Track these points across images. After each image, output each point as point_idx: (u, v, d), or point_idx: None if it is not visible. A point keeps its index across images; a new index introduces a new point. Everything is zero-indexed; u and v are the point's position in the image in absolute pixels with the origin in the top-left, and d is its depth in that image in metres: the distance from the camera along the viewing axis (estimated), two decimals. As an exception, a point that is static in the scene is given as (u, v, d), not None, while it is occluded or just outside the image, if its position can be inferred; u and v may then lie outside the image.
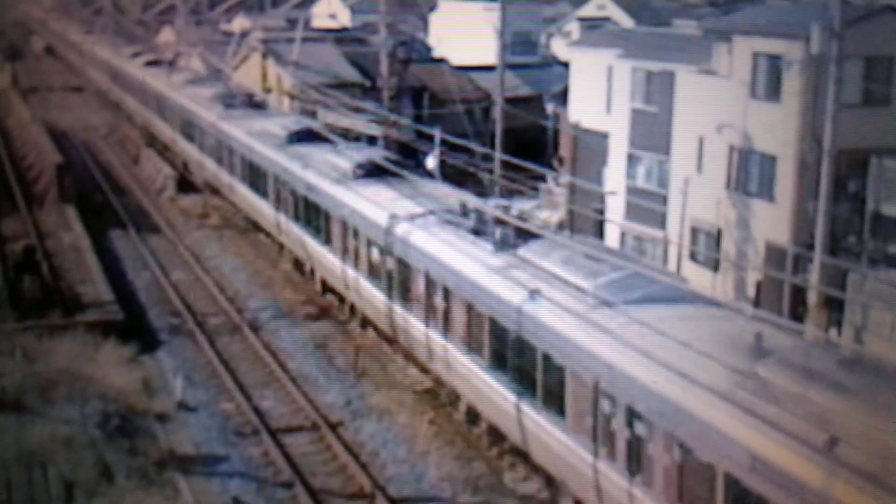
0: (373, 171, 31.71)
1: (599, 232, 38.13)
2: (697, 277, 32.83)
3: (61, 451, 22.18)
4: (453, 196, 28.81)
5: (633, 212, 36.99)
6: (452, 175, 36.62)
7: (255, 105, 48.04)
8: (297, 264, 37.13)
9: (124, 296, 34.23)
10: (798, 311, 29.48)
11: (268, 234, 40.85)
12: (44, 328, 29.02)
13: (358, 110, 45.23)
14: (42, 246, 37.96)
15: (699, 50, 34.47)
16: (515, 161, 32.32)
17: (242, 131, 42.08)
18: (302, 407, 26.39)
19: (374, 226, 28.52)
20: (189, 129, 50.98)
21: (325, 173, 33.20)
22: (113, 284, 34.29)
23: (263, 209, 39.30)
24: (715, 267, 33.35)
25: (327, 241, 32.40)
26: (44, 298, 31.62)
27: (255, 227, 42.22)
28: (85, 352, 27.77)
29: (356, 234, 29.86)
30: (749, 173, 32.25)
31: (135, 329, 31.12)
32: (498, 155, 38.19)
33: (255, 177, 39.81)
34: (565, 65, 49.35)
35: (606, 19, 75.83)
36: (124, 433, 23.90)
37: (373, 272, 28.88)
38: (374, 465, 23.31)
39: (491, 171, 38.60)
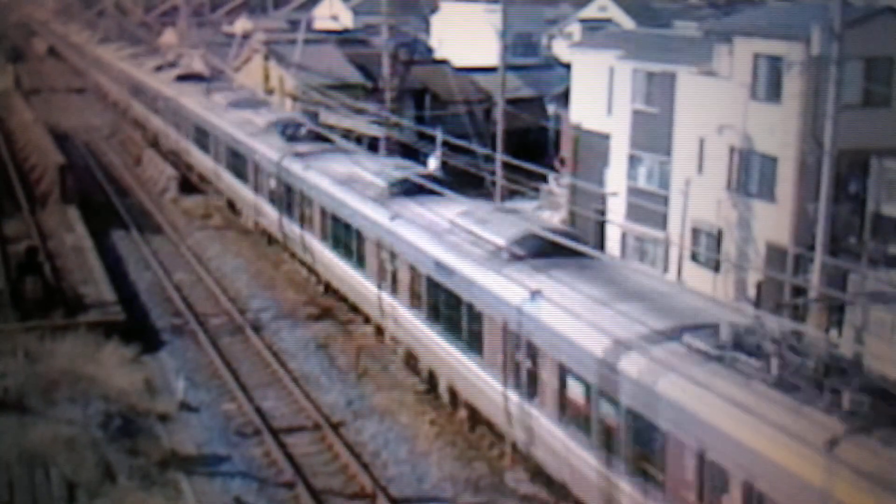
0: (538, 249, 22.69)
1: (600, 233, 38.19)
2: (698, 278, 32.94)
3: (63, 452, 22.21)
4: (673, 291, 20.50)
5: (634, 212, 37.03)
6: (453, 176, 36.68)
7: (320, 137, 39.10)
8: (411, 359, 27.96)
9: (126, 296, 34.28)
10: (798, 311, 29.50)
11: (348, 303, 32.63)
12: (46, 329, 29.07)
13: (360, 112, 45.31)
14: (44, 247, 38.05)
15: (700, 51, 34.52)
16: (517, 162, 32.38)
17: (322, 177, 33.57)
18: (303, 407, 26.43)
19: (590, 359, 18.51)
20: (239, 163, 42.37)
21: (465, 251, 23.98)
22: (115, 285, 34.34)
23: (359, 284, 30.32)
24: (716, 267, 33.40)
25: (481, 352, 22.71)
26: (46, 299, 31.68)
27: (333, 292, 34.01)
28: (87, 352, 27.82)
29: (553, 365, 19.78)
30: (750, 174, 32.30)
31: (137, 329, 31.16)
32: (499, 156, 38.25)
33: (345, 239, 31.10)
34: (566, 66, 49.43)
35: (608, 21, 75.93)
36: (126, 433, 23.95)
37: (584, 426, 18.97)
38: (376, 466, 23.35)
39: (492, 173, 38.68)
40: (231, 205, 45.59)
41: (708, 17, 67.95)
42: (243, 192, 42.30)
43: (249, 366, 29.34)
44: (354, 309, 32.02)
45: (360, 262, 30.12)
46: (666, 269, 35.05)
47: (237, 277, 37.48)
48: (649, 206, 36.15)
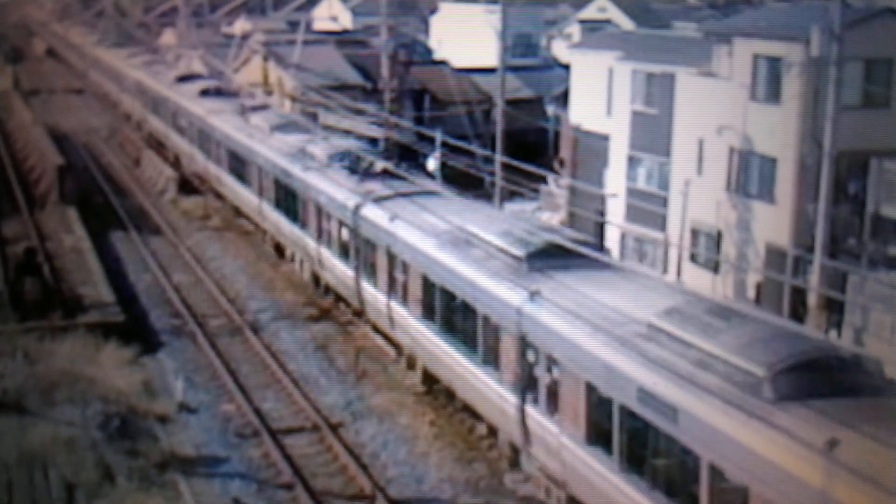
0: (816, 379, 15.24)
1: (600, 233, 38.20)
2: (698, 279, 32.93)
3: (62, 453, 22.20)
4: None
5: (633, 213, 37.03)
6: (453, 177, 36.73)
7: (390, 175, 31.93)
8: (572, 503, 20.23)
9: (125, 297, 34.26)
10: (798, 312, 29.54)
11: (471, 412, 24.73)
12: (45, 330, 29.06)
13: (359, 112, 45.30)
14: (43, 248, 38.01)
15: (699, 52, 34.54)
16: (516, 163, 32.37)
17: (422, 235, 25.94)
18: (303, 408, 26.42)
19: None
20: (293, 203, 35.44)
21: (686, 375, 16.31)
22: (114, 286, 34.32)
23: (487, 387, 22.56)
24: (715, 269, 33.40)
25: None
26: (45, 300, 31.66)
27: (445, 392, 26.18)
28: (86, 353, 27.80)
29: None
30: (749, 175, 32.31)
31: (136, 331, 31.15)
32: (499, 157, 38.25)
33: (462, 324, 23.68)
34: (566, 67, 49.48)
35: (607, 21, 76.03)
36: (125, 435, 23.92)
37: None
38: (375, 467, 23.33)
39: (492, 174, 38.69)
40: (278, 248, 39.24)
41: (707, 18, 68.11)
42: (300, 237, 35.19)
43: (248, 367, 29.31)
44: (471, 412, 24.60)
45: (488, 359, 22.43)
46: (665, 271, 35.06)
47: (236, 278, 37.46)
48: (649, 207, 36.15)
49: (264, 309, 34.05)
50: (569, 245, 21.52)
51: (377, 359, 29.52)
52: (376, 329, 30.16)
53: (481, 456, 23.80)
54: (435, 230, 25.74)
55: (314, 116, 46.32)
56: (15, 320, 30.12)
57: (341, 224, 31.04)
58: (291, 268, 37.84)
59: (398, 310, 27.29)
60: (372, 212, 29.06)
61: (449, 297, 24.20)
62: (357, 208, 29.85)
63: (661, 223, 35.70)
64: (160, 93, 58.32)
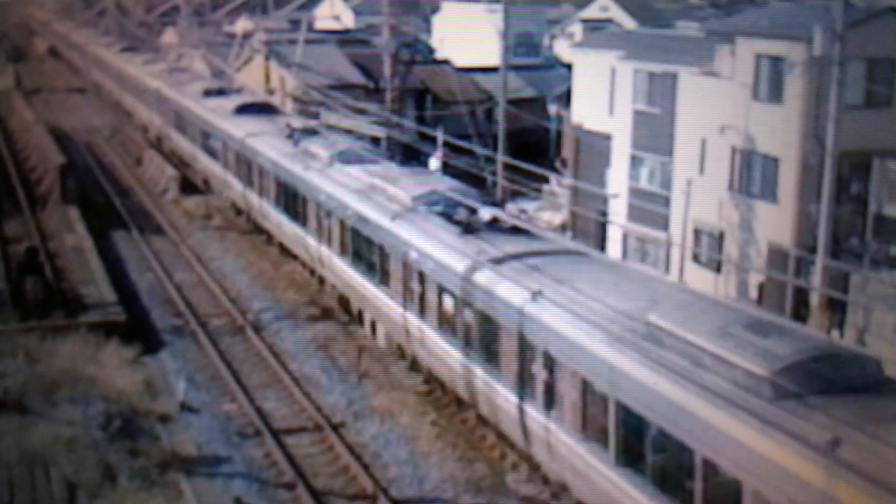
0: None
1: (602, 233, 38.17)
2: (700, 279, 32.92)
3: (64, 453, 22.19)
4: None
5: (635, 213, 37.01)
6: (454, 177, 36.70)
7: (502, 226, 25.09)
8: None
9: (127, 297, 34.24)
10: (800, 312, 29.52)
11: None
12: (46, 329, 29.03)
13: (361, 112, 45.30)
14: (45, 247, 38.01)
15: (702, 51, 34.52)
16: (518, 163, 32.37)
17: (584, 329, 18.73)
18: (304, 408, 26.41)
19: None
20: (370, 254, 28.95)
21: None
22: (116, 285, 34.31)
23: None
24: (717, 269, 33.39)
25: None
26: (46, 299, 31.64)
27: None
28: (87, 353, 27.79)
29: None
30: (751, 175, 32.29)
31: (137, 330, 31.13)
32: (500, 156, 38.26)
33: (659, 459, 16.90)
34: (568, 66, 49.48)
35: (609, 21, 76.07)
36: (127, 434, 23.92)
37: None
38: (377, 467, 23.32)
39: (494, 173, 38.70)
40: (343, 301, 33.04)
41: (710, 17, 68.09)
42: (380, 299, 28.57)
43: (250, 366, 29.30)
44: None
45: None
46: (667, 271, 35.05)
47: (238, 278, 37.45)
48: (651, 207, 36.13)
49: (266, 308, 34.04)
50: (842, 354, 15.18)
51: (379, 358, 29.51)
52: (483, 421, 24.04)
53: (483, 456, 23.80)
54: (598, 316, 18.83)
55: (316, 116, 46.34)
56: (16, 320, 30.11)
57: (442, 290, 24.28)
58: (293, 267, 37.83)
59: (543, 422, 20.28)
60: (491, 279, 22.13)
61: (635, 419, 17.09)
62: (469, 273, 22.96)
63: (664, 223, 35.69)
64: (185, 107, 52.34)
